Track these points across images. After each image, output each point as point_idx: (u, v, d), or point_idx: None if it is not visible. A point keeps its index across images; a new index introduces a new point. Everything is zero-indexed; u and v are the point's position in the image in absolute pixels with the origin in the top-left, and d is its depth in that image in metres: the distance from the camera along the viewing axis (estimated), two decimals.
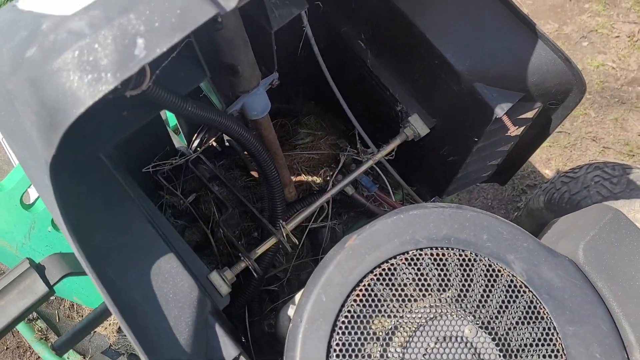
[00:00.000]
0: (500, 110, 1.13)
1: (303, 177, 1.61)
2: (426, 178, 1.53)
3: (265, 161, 1.19)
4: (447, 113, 1.28)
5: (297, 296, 1.13)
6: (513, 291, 0.97)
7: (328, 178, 1.60)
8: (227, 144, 1.54)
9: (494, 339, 0.93)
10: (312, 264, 1.51)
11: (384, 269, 0.98)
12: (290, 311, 1.11)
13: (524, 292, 0.97)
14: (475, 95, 1.15)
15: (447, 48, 1.14)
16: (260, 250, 1.20)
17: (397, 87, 1.33)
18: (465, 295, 0.97)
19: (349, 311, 0.94)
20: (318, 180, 1.63)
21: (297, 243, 1.27)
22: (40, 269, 1.19)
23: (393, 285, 0.97)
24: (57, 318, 1.74)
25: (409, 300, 0.96)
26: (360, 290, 0.96)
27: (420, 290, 0.97)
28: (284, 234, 1.21)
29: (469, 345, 0.93)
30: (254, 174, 1.59)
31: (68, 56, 0.60)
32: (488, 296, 0.97)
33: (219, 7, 0.64)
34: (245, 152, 1.56)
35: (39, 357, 2.13)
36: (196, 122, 1.37)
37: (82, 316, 1.74)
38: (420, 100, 1.33)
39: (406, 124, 1.32)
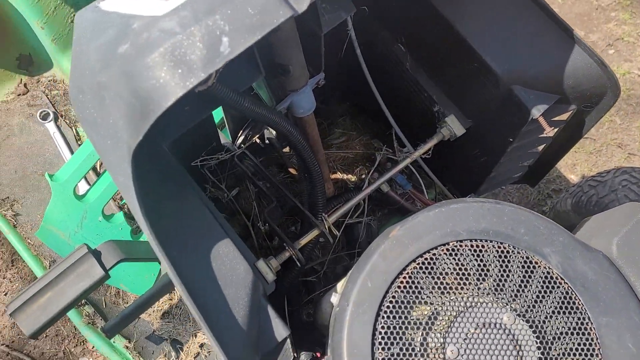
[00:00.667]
0: (536, 112, 1.19)
1: (338, 175, 1.67)
2: (459, 177, 1.58)
3: (309, 157, 1.25)
4: (483, 114, 1.34)
5: (339, 285, 1.19)
6: (549, 283, 1.02)
7: (363, 176, 1.66)
8: (267, 141, 1.61)
9: (530, 327, 0.98)
10: (346, 258, 1.57)
11: (425, 259, 1.03)
12: (333, 298, 1.17)
13: (560, 284, 1.02)
14: (513, 97, 1.20)
15: (487, 52, 1.19)
16: (304, 241, 1.27)
17: (435, 88, 1.40)
18: (503, 286, 1.02)
19: (393, 297, 1.00)
20: (352, 178, 1.69)
21: (338, 235, 1.33)
22: (96, 254, 1.26)
23: (434, 274, 1.02)
24: (103, 304, 1.83)
25: (449, 289, 1.02)
26: (404, 277, 1.01)
27: (460, 279, 1.02)
28: (326, 227, 1.27)
29: (507, 331, 0.98)
30: (292, 170, 1.65)
31: (161, 52, 0.67)
32: (525, 287, 1.01)
33: (292, 9, 0.71)
34: (285, 150, 1.64)
35: (77, 345, 2.22)
36: (250, 118, 1.44)
37: (127, 303, 1.82)
38: (456, 102, 1.38)
39: (443, 124, 1.37)
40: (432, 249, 1.04)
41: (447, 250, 1.04)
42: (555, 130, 1.31)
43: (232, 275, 0.97)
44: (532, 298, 1.01)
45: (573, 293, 1.01)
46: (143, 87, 0.68)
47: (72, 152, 2.04)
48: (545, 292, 1.01)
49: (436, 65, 1.37)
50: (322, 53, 1.20)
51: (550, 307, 1.00)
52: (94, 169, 1.88)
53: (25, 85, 2.28)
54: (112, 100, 0.75)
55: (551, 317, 1.00)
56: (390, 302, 0.99)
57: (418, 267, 1.02)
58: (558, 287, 1.02)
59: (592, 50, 1.14)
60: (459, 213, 1.07)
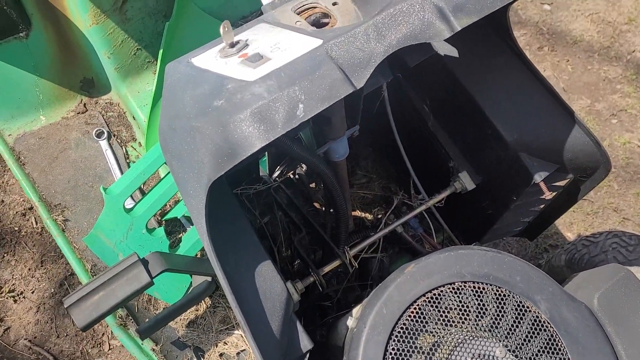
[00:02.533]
0: (538, 177, 1.38)
1: (357, 212, 1.86)
2: (466, 225, 1.76)
3: (338, 196, 1.44)
4: (492, 173, 1.53)
5: (354, 310, 1.36)
6: (538, 325, 1.17)
7: (379, 216, 1.85)
8: (297, 177, 1.81)
9: None
10: (358, 289, 1.74)
11: (433, 294, 1.20)
12: (349, 321, 1.34)
13: (547, 327, 1.18)
14: (519, 162, 1.40)
15: (500, 122, 1.40)
16: (327, 269, 1.44)
17: (452, 146, 1.60)
18: (498, 324, 1.18)
19: (403, 324, 1.16)
20: (369, 216, 1.88)
21: (357, 267, 1.51)
22: (144, 263, 1.44)
23: (440, 308, 1.19)
24: (136, 309, 2.00)
25: (451, 323, 1.19)
26: (414, 309, 1.18)
27: (461, 315, 1.19)
28: (347, 258, 1.45)
29: None
30: (316, 204, 1.84)
31: (251, 111, 0.87)
32: (517, 327, 1.18)
33: (353, 86, 0.91)
34: (311, 185, 1.83)
35: (94, 346, 2.37)
36: (295, 159, 1.64)
37: (157, 310, 1.98)
38: (470, 160, 1.58)
39: (456, 178, 1.57)
40: (440, 287, 1.20)
41: (453, 289, 1.21)
42: (554, 194, 1.50)
43: (270, 292, 1.15)
44: (522, 337, 1.17)
45: (557, 336, 1.17)
46: (234, 135, 0.88)
47: (120, 169, 2.25)
48: (533, 333, 1.17)
49: (455, 127, 1.58)
50: (360, 109, 1.40)
51: (537, 346, 1.16)
52: (139, 188, 2.09)
53: (84, 105, 2.53)
54: (202, 141, 0.94)
55: (537, 355, 1.16)
56: (401, 328, 1.16)
57: (427, 300, 1.19)
58: (545, 330, 1.18)
59: (589, 130, 1.34)
60: (466, 258, 1.24)
